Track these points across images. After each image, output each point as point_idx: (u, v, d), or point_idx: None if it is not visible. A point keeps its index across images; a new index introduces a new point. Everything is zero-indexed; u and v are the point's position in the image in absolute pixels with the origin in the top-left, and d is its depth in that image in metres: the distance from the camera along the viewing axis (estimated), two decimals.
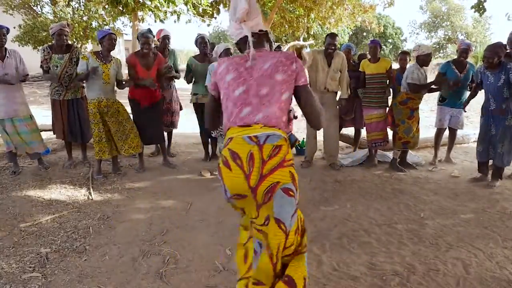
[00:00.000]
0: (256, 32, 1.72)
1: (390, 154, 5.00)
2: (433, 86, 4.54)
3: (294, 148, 5.48)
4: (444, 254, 2.60)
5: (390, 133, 4.82)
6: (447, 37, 31.61)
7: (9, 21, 9.74)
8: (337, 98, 4.73)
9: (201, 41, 4.64)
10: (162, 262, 2.48)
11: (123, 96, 4.63)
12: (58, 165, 4.51)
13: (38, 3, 13.80)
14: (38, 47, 12.96)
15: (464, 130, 5.01)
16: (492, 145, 3.94)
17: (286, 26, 15.27)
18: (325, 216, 3.24)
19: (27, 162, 4.55)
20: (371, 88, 4.64)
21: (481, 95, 4.16)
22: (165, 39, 4.75)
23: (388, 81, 4.72)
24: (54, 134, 4.54)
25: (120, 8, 9.59)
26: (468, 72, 4.48)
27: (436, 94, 4.86)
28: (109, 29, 4.04)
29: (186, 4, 10.49)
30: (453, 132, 4.86)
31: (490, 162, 4.14)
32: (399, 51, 5.48)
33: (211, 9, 11.92)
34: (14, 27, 11.55)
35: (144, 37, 4.07)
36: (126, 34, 18.82)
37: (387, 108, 4.71)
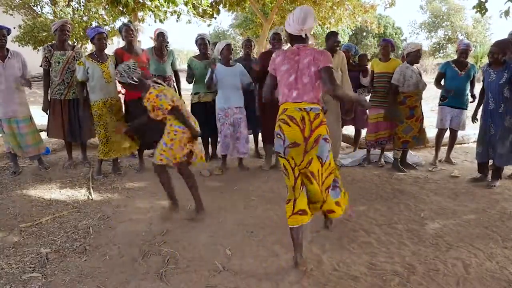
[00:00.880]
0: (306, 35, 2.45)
1: (390, 154, 5.01)
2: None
3: None
4: (444, 254, 2.60)
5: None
6: (447, 37, 31.58)
7: (9, 21, 9.74)
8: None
9: (201, 42, 4.65)
10: (162, 262, 2.48)
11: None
12: (58, 165, 4.51)
13: (38, 3, 13.79)
14: (38, 47, 12.95)
15: (464, 130, 4.99)
16: (491, 145, 3.94)
17: None
18: None
19: (27, 162, 4.55)
20: (378, 87, 4.64)
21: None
22: (160, 36, 4.71)
23: None
24: (47, 135, 4.44)
25: (120, 8, 9.59)
26: (469, 71, 4.50)
27: (437, 94, 4.86)
28: (99, 28, 4.01)
29: (186, 4, 10.49)
30: (454, 133, 4.85)
31: (490, 162, 4.14)
32: (399, 51, 5.46)
33: (211, 9, 11.92)
34: (14, 27, 11.54)
35: (125, 25, 4.16)
36: None
37: None
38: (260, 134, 4.94)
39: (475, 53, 18.37)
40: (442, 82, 4.68)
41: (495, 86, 3.78)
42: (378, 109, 4.65)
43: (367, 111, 4.81)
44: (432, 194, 3.79)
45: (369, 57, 5.13)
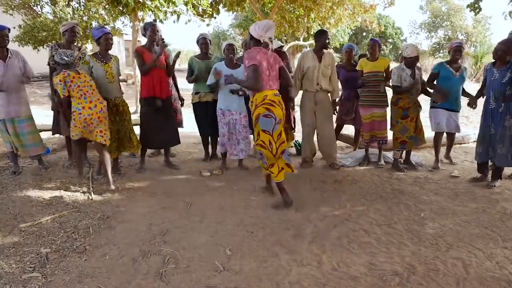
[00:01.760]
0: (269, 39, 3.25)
1: (390, 154, 5.01)
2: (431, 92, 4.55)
3: (294, 149, 5.51)
4: (444, 254, 2.60)
5: (390, 133, 4.83)
6: (447, 37, 31.59)
7: (9, 21, 9.71)
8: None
9: (202, 41, 4.66)
10: (162, 262, 2.48)
11: (130, 96, 4.61)
12: (58, 165, 4.51)
13: (38, 3, 13.77)
14: (38, 47, 12.94)
15: (464, 130, 4.97)
16: (491, 145, 3.93)
17: (286, 26, 15.25)
18: (325, 216, 3.24)
19: (27, 162, 4.55)
20: (368, 86, 4.64)
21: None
22: None
23: (389, 81, 4.74)
24: (53, 133, 4.52)
25: (120, 8, 9.58)
26: (462, 73, 4.46)
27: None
28: (105, 28, 4.05)
29: (186, 4, 10.48)
30: (451, 136, 4.81)
31: (490, 162, 4.14)
32: (399, 51, 5.47)
33: (211, 9, 11.91)
34: (14, 27, 11.53)
35: (152, 25, 4.19)
36: (126, 34, 18.81)
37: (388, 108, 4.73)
38: None
39: (475, 53, 18.35)
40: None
41: (498, 84, 3.78)
42: (370, 108, 4.66)
43: (360, 111, 4.82)
44: (432, 194, 3.79)
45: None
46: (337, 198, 3.68)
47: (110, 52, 4.06)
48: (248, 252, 2.62)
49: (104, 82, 3.94)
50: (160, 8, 9.90)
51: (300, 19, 14.75)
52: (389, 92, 4.89)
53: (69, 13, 12.56)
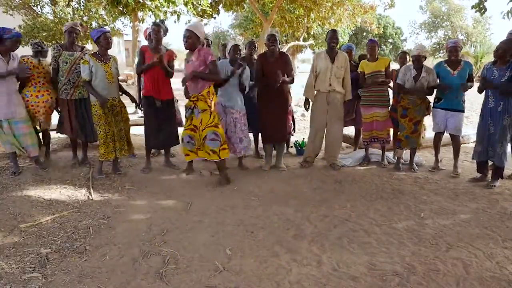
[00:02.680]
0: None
1: (390, 155, 5.01)
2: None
3: (294, 148, 5.51)
4: (444, 254, 2.60)
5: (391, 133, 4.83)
6: (447, 37, 31.62)
7: (9, 21, 9.74)
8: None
9: (204, 43, 4.65)
10: (162, 262, 2.48)
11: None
12: (58, 165, 4.51)
13: (38, 3, 13.77)
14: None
15: (464, 130, 4.91)
16: (490, 145, 3.93)
17: (286, 26, 15.26)
18: (325, 216, 3.24)
19: (27, 162, 4.55)
20: (370, 86, 4.64)
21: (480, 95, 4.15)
22: (151, 36, 4.74)
23: (390, 80, 4.75)
24: (57, 133, 4.57)
25: (120, 8, 9.59)
26: (462, 70, 4.26)
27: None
28: (104, 28, 4.07)
29: (186, 4, 10.48)
30: (454, 139, 4.50)
31: (490, 162, 4.13)
32: (399, 51, 5.47)
33: (210, 9, 11.92)
34: (14, 28, 11.54)
35: (155, 25, 4.21)
36: (126, 34, 18.81)
37: (389, 107, 4.73)
38: (260, 134, 4.93)
39: (475, 53, 18.37)
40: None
41: (497, 83, 3.78)
42: (371, 108, 4.66)
43: (361, 110, 4.82)
44: (432, 194, 3.79)
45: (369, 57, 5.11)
46: (337, 198, 3.68)
47: (109, 52, 4.06)
48: (248, 252, 2.62)
49: (105, 83, 3.94)
50: (160, 8, 9.91)
51: (300, 19, 14.76)
52: (389, 92, 4.91)
53: (69, 13, 12.56)
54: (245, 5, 13.45)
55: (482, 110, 4.02)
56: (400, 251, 2.64)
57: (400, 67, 4.84)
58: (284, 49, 12.68)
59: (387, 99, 4.70)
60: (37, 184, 3.89)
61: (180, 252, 2.60)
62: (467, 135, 5.98)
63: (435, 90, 4.45)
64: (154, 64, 4.04)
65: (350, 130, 5.89)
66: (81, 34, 4.40)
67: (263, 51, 4.54)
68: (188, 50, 3.88)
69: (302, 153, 5.05)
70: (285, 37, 18.74)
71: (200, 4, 11.30)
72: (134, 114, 8.34)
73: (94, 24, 13.03)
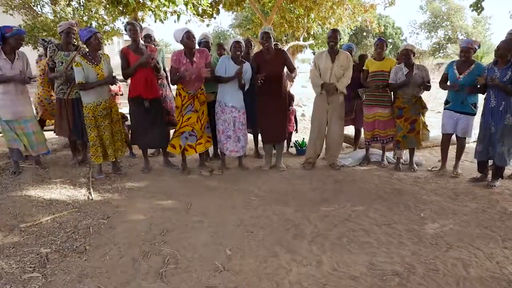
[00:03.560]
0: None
1: (390, 155, 5.01)
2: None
3: (294, 148, 5.51)
4: (444, 254, 2.60)
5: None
6: (447, 37, 31.62)
7: (9, 21, 9.72)
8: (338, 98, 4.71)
9: (204, 44, 4.66)
10: (162, 262, 2.48)
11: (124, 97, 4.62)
12: (58, 165, 4.51)
13: (38, 3, 13.78)
14: (38, 47, 12.91)
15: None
16: (491, 144, 3.93)
17: (286, 26, 15.24)
18: (325, 216, 3.24)
19: (27, 162, 4.55)
20: (375, 85, 4.62)
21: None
22: (147, 37, 4.72)
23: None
24: (54, 132, 4.55)
25: (120, 8, 9.59)
26: (470, 74, 4.07)
27: (439, 96, 4.80)
28: (92, 28, 4.00)
29: (186, 4, 10.48)
30: (459, 141, 4.40)
31: (490, 162, 4.13)
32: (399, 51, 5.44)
33: (211, 9, 11.91)
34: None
35: (130, 24, 4.14)
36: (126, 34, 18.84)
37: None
38: (259, 134, 4.93)
39: (475, 53, 18.37)
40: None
41: (488, 80, 3.78)
42: (374, 107, 4.65)
43: (364, 110, 4.80)
44: (432, 194, 3.79)
45: (369, 57, 5.11)
46: (337, 198, 3.68)
47: (108, 52, 4.03)
48: (248, 252, 2.62)
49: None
50: (160, 8, 9.91)
51: (300, 19, 14.74)
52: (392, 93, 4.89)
53: (69, 13, 12.56)
54: (245, 5, 13.44)
55: (483, 109, 4.01)
56: (400, 251, 2.64)
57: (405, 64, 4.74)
58: (284, 49, 12.66)
59: (389, 99, 4.69)
60: (37, 184, 3.89)
61: (180, 252, 2.60)
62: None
63: (433, 88, 4.45)
64: (142, 64, 4.00)
65: (350, 130, 5.89)
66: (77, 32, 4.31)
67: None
68: (186, 51, 4.06)
69: (302, 153, 5.05)
70: (285, 37, 18.74)
71: (200, 4, 11.29)
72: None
73: (94, 24, 13.03)
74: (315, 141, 4.68)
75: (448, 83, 4.31)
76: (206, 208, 3.38)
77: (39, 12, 13.96)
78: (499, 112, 3.80)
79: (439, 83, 4.47)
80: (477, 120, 4.23)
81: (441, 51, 31.72)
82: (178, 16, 10.44)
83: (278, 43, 5.44)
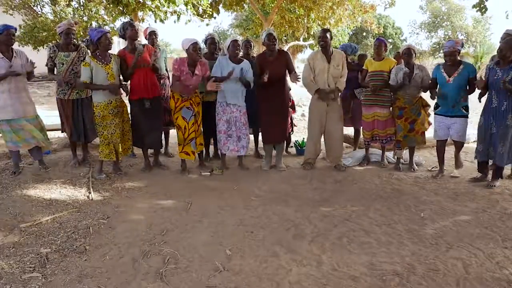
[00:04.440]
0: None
1: (390, 155, 5.01)
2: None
3: (294, 148, 5.51)
4: (444, 254, 2.60)
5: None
6: (447, 37, 31.60)
7: (9, 21, 9.70)
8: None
9: (211, 42, 4.69)
10: (162, 262, 2.48)
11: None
12: (58, 165, 4.51)
13: (38, 3, 13.78)
14: (38, 47, 12.95)
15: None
16: (492, 144, 3.93)
17: (286, 26, 15.25)
18: (325, 216, 3.24)
19: (27, 162, 4.55)
20: (372, 85, 4.62)
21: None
22: (152, 34, 4.76)
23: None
24: (62, 132, 4.59)
25: (121, 8, 9.61)
26: (459, 76, 4.00)
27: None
28: (102, 29, 4.02)
29: (186, 4, 10.49)
30: (456, 144, 4.34)
31: (490, 162, 4.13)
32: (399, 51, 5.44)
33: (211, 9, 11.92)
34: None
35: (129, 24, 4.14)
36: None
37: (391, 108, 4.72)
38: (260, 135, 4.93)
39: (475, 53, 18.35)
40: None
41: (500, 83, 3.76)
42: (372, 107, 4.64)
43: (362, 110, 4.79)
44: (432, 194, 3.79)
45: (369, 57, 5.11)
46: (337, 198, 3.68)
47: (110, 51, 4.03)
48: (248, 252, 2.62)
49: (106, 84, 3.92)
50: (160, 8, 9.91)
51: (300, 19, 14.74)
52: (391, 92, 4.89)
53: (69, 13, 12.56)
54: (245, 5, 13.44)
55: (484, 109, 4.00)
56: (400, 251, 2.64)
57: (405, 64, 4.71)
58: (284, 49, 12.67)
59: (389, 99, 4.68)
60: (37, 184, 3.89)
61: (180, 252, 2.60)
62: (467, 134, 5.94)
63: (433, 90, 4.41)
64: (137, 64, 4.01)
65: (350, 130, 5.88)
66: (81, 33, 4.32)
67: (262, 50, 4.52)
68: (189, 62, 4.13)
69: (302, 153, 5.04)
70: (285, 37, 18.73)
71: (200, 4, 11.30)
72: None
73: (94, 24, 13.03)
74: (314, 142, 4.67)
75: (438, 88, 4.19)
76: (206, 208, 3.38)
77: (39, 12, 13.97)
78: (501, 112, 3.80)
79: (429, 90, 4.28)
80: (471, 121, 4.17)
81: (441, 51, 31.71)
82: (178, 16, 10.45)
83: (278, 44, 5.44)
